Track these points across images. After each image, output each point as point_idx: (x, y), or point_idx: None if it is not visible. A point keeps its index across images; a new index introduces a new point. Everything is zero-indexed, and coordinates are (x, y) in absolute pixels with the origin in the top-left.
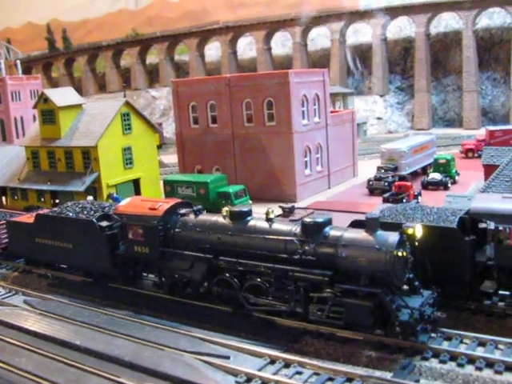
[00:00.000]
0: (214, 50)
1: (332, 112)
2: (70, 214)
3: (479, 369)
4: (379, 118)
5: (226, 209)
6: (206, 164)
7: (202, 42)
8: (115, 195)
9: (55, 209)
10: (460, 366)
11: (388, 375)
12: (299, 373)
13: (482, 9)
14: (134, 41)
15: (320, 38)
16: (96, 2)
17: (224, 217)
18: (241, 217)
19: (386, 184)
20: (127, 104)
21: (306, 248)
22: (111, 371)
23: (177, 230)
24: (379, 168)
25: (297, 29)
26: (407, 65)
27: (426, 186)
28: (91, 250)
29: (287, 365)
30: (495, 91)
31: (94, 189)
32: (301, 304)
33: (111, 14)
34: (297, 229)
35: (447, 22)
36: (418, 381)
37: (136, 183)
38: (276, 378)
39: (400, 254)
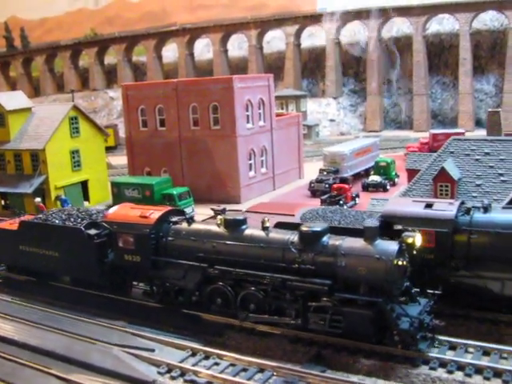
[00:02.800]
0: (171, 52)
1: (282, 115)
2: (57, 222)
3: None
4: (332, 120)
5: (220, 217)
6: (154, 166)
7: (160, 44)
8: (63, 197)
9: (40, 215)
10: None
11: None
12: (217, 364)
13: (431, 15)
14: (92, 41)
15: (275, 40)
16: (55, 0)
17: (218, 225)
18: (236, 225)
19: (327, 186)
20: (75, 108)
21: (305, 257)
22: (44, 364)
23: (169, 238)
24: (321, 170)
25: (252, 32)
26: (360, 68)
27: (367, 187)
28: (78, 259)
29: (207, 357)
30: (444, 95)
31: (43, 190)
32: (299, 313)
33: (70, 12)
34: (294, 238)
35: (399, 27)
36: (324, 371)
37: (84, 185)
38: (194, 368)
39: (400, 263)
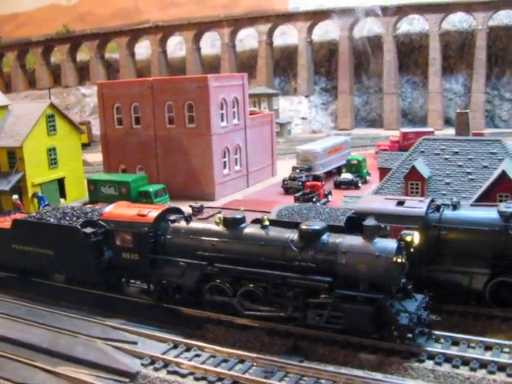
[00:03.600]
0: (144, 49)
1: (255, 113)
2: (52, 220)
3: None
4: (304, 118)
5: (218, 216)
6: (129, 163)
7: (133, 41)
8: (40, 194)
9: (33, 214)
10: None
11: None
12: (198, 355)
13: (402, 15)
14: (64, 37)
15: (248, 39)
16: None
17: (217, 224)
18: (235, 224)
19: (300, 183)
20: (52, 106)
21: (305, 255)
22: (29, 357)
23: (168, 236)
24: (294, 168)
25: (225, 30)
26: (332, 67)
27: (339, 185)
28: (74, 257)
29: (188, 349)
30: (414, 94)
31: (20, 188)
32: (299, 310)
33: (42, 8)
34: (294, 236)
35: (370, 26)
36: (301, 361)
37: (60, 182)
38: (177, 359)
39: (399, 260)
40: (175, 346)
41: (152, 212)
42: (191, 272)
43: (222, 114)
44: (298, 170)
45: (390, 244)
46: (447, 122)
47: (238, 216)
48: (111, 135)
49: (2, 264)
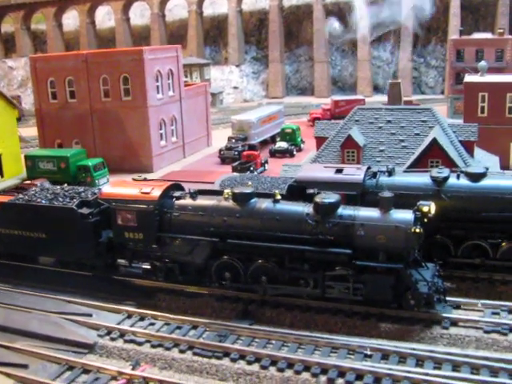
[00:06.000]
0: (72, 20)
1: (188, 84)
2: (43, 202)
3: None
4: (235, 88)
5: (227, 191)
6: (65, 138)
7: (60, 12)
8: None
9: (20, 196)
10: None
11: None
12: (152, 324)
13: None
14: None
15: (178, 8)
16: None
17: (226, 199)
18: (245, 199)
19: (236, 153)
20: None
21: (322, 228)
22: None
23: (174, 213)
24: (230, 138)
25: None
26: (262, 36)
27: (274, 154)
28: (70, 239)
29: (142, 318)
30: (344, 62)
31: None
32: (317, 283)
33: None
34: (309, 209)
35: None
36: (251, 324)
37: None
38: (132, 329)
39: (417, 230)
40: (129, 316)
41: (155, 189)
42: (201, 249)
43: (158, 86)
44: (233, 140)
45: (408, 215)
46: (376, 89)
47: (248, 191)
48: (46, 110)
49: None
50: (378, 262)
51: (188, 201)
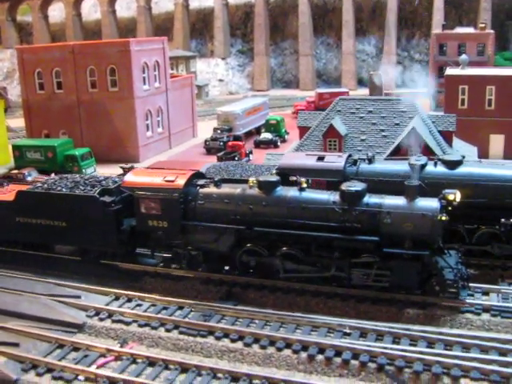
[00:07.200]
0: (57, 12)
1: (173, 76)
2: (64, 190)
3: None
4: (221, 80)
5: (252, 179)
6: (52, 129)
7: (46, 3)
8: None
9: (39, 184)
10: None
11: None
12: (139, 305)
13: None
14: None
15: (164, 1)
16: None
17: (251, 187)
18: (271, 187)
19: (221, 144)
20: None
21: (349, 216)
22: None
23: (199, 201)
24: (215, 129)
25: None
26: (248, 29)
27: (259, 144)
28: (92, 228)
29: (129, 300)
30: (328, 55)
31: None
32: (344, 270)
33: None
34: (335, 197)
35: None
36: (236, 304)
37: None
38: (120, 309)
39: (444, 218)
40: (117, 298)
41: (180, 177)
42: (226, 237)
43: (144, 78)
44: (219, 131)
45: (434, 203)
46: (360, 82)
47: (273, 179)
48: (33, 101)
49: (5, 239)
50: (404, 248)
51: (212, 189)
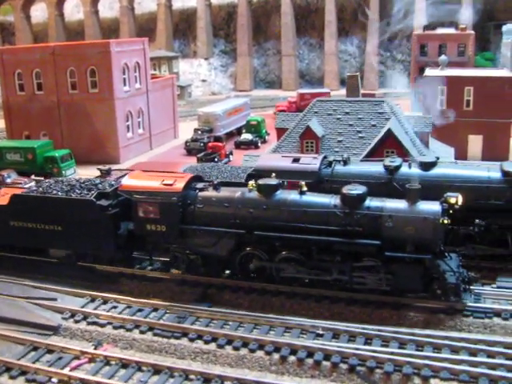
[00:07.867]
0: (40, 12)
1: (156, 77)
2: (60, 194)
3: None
4: (204, 81)
5: (251, 183)
6: (33, 130)
7: (28, 3)
8: None
9: (34, 188)
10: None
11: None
12: (115, 307)
13: None
14: None
15: (147, 1)
16: None
17: (250, 191)
18: (271, 190)
19: (202, 145)
20: None
21: (351, 219)
22: None
23: (198, 205)
24: (196, 130)
25: None
26: (230, 29)
27: (239, 145)
28: (88, 232)
29: (105, 302)
30: (311, 55)
31: None
32: (345, 273)
33: None
34: (336, 201)
35: None
36: (210, 306)
37: None
38: (95, 311)
39: (445, 221)
40: (93, 300)
41: (178, 181)
42: (226, 241)
43: (125, 79)
44: (199, 132)
45: (435, 206)
46: (342, 82)
47: (274, 182)
48: (13, 102)
49: (2, 244)
50: (406, 252)
51: (212, 192)
